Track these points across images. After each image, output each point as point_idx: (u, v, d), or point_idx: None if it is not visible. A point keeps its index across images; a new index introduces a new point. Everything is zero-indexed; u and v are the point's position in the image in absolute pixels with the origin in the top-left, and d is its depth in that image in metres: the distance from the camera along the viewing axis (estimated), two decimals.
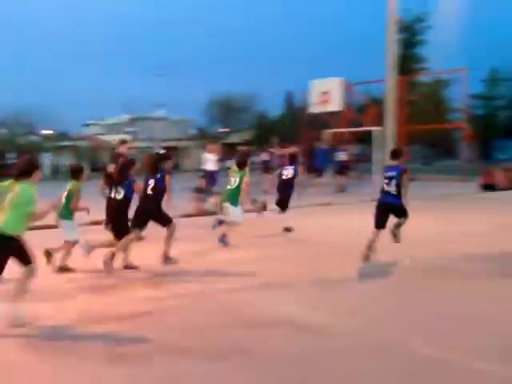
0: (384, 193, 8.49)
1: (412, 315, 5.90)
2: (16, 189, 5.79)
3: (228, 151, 31.89)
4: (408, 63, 45.94)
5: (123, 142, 12.05)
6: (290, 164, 11.96)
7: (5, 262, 5.72)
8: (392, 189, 8.36)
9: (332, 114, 29.79)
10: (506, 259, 8.79)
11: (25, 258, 5.79)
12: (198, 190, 15.53)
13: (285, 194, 11.79)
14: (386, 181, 8.47)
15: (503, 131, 48.75)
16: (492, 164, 24.61)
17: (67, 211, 8.17)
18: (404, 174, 8.40)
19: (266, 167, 22.96)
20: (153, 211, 8.52)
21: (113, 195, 8.35)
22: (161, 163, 8.79)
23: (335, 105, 28.30)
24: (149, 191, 8.56)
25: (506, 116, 50.03)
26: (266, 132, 56.49)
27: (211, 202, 13.93)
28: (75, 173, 8.34)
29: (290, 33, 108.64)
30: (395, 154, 8.76)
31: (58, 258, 8.13)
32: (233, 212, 10.08)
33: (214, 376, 4.48)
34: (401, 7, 43.98)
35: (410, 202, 8.49)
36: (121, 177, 8.34)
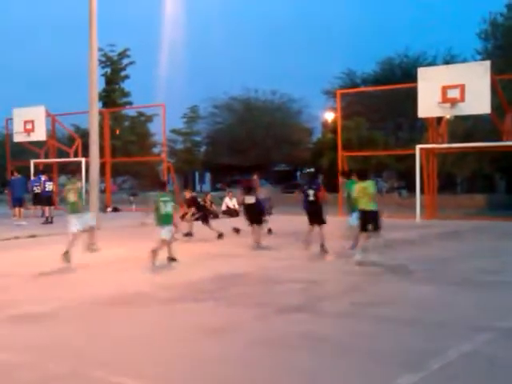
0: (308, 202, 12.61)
1: (88, 344, 5.92)
2: (362, 184, 10.84)
3: None
4: (112, 97, 47.14)
5: None
6: None
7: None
8: (313, 198, 12.43)
9: (38, 143, 29.14)
10: None
11: (378, 224, 10.67)
12: None
13: None
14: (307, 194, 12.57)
15: (202, 164, 53.03)
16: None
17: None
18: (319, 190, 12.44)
19: None
20: None
21: None
22: None
23: (39, 134, 27.80)
24: None
25: (203, 151, 54.52)
26: None
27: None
28: None
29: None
30: None
31: None
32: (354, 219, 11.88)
33: None
34: (106, 42, 45.20)
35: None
36: None
